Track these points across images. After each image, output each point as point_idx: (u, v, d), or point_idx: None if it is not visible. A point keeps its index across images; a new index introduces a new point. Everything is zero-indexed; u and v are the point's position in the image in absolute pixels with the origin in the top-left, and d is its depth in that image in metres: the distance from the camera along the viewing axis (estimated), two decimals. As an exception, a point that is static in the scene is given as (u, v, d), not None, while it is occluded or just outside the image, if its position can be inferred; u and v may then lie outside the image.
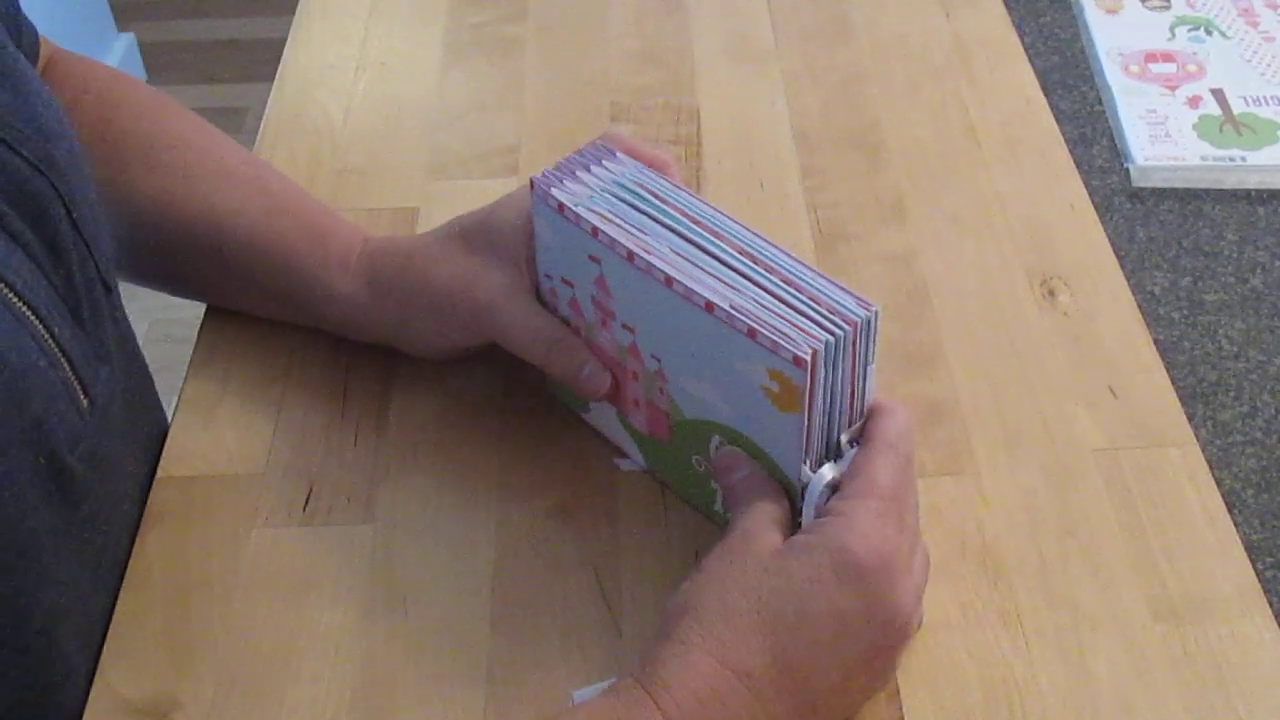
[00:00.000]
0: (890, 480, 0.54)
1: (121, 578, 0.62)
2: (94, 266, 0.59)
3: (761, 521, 0.55)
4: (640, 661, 0.52)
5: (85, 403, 0.56)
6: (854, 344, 0.54)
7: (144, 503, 0.65)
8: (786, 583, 0.52)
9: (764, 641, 0.51)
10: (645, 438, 0.64)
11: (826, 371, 0.53)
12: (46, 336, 0.54)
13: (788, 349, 0.52)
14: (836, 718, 0.54)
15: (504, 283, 0.63)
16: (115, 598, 0.61)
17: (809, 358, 0.52)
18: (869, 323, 0.54)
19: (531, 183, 0.60)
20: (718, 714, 0.50)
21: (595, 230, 0.57)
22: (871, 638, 0.53)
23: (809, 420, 0.54)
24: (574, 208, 0.58)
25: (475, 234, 0.65)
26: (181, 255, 0.70)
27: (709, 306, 0.54)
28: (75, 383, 0.56)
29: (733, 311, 0.53)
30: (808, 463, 0.56)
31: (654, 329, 0.59)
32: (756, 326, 0.53)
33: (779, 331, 0.52)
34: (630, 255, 0.56)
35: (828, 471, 0.56)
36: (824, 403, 0.55)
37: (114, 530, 0.62)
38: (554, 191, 0.59)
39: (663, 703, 0.50)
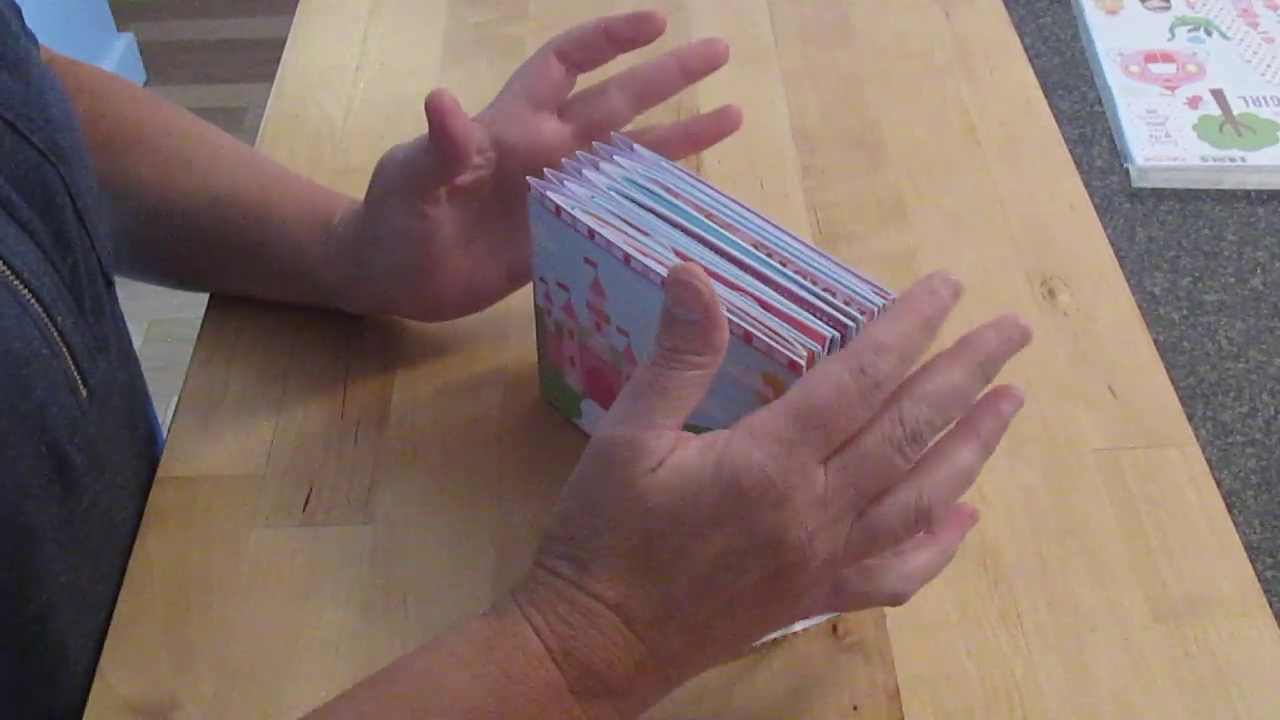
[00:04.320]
0: (808, 395, 0.46)
1: (122, 575, 0.62)
2: (96, 259, 0.60)
3: (648, 418, 0.48)
4: (524, 578, 0.50)
5: (84, 393, 0.57)
6: None
7: (143, 501, 0.65)
8: (664, 517, 0.47)
9: (636, 581, 0.47)
10: None
11: None
12: (50, 325, 0.54)
13: (783, 353, 0.51)
14: (728, 643, 0.50)
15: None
16: (115, 594, 0.61)
17: (804, 361, 0.51)
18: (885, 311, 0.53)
19: (528, 185, 0.59)
20: (594, 639, 0.47)
21: (591, 233, 0.57)
22: (759, 570, 0.47)
23: None
24: (571, 210, 0.58)
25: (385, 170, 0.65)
26: (182, 240, 0.71)
27: None
28: (75, 372, 0.56)
29: (729, 315, 0.52)
30: None
31: (650, 333, 0.58)
32: (752, 330, 0.52)
33: (776, 335, 0.52)
34: (626, 258, 0.56)
35: None
36: None
37: (114, 526, 0.62)
38: (550, 194, 0.59)
39: (535, 622, 0.48)
